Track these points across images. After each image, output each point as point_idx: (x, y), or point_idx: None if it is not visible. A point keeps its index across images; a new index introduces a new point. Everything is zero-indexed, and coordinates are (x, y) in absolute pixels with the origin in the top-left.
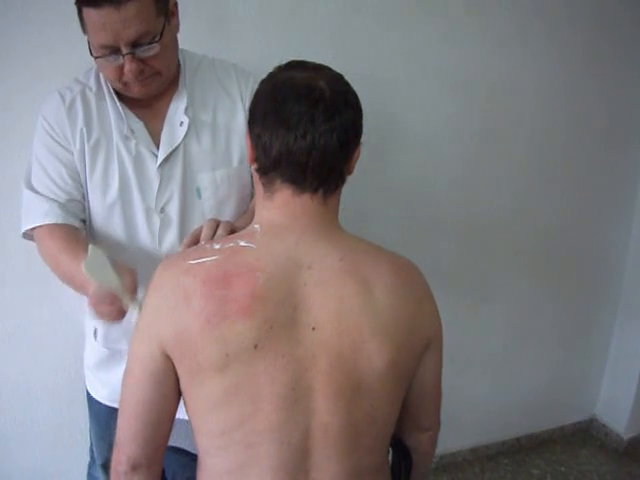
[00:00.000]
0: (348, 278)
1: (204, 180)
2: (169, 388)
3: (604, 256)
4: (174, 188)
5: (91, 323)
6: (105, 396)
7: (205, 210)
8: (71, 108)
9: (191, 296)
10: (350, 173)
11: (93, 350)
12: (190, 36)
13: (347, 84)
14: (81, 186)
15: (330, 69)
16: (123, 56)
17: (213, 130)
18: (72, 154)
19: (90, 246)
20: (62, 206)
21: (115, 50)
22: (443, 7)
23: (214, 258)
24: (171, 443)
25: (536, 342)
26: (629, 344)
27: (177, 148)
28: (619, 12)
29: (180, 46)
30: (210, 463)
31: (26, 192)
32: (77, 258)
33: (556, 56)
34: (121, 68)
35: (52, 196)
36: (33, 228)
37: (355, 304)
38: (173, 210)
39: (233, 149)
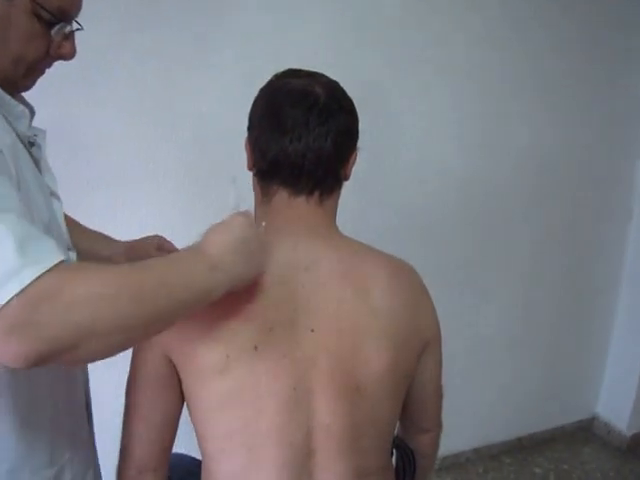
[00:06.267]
0: (346, 280)
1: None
2: (172, 391)
3: (603, 255)
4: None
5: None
6: None
7: None
8: None
9: None
10: (347, 178)
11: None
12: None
13: (342, 90)
14: None
15: (325, 76)
16: (73, 32)
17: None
18: None
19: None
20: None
21: (66, 21)
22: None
23: None
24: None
25: (537, 341)
26: (629, 341)
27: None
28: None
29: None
30: (214, 468)
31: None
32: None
33: (556, 57)
34: (48, 46)
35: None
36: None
37: (353, 306)
38: None
39: None
